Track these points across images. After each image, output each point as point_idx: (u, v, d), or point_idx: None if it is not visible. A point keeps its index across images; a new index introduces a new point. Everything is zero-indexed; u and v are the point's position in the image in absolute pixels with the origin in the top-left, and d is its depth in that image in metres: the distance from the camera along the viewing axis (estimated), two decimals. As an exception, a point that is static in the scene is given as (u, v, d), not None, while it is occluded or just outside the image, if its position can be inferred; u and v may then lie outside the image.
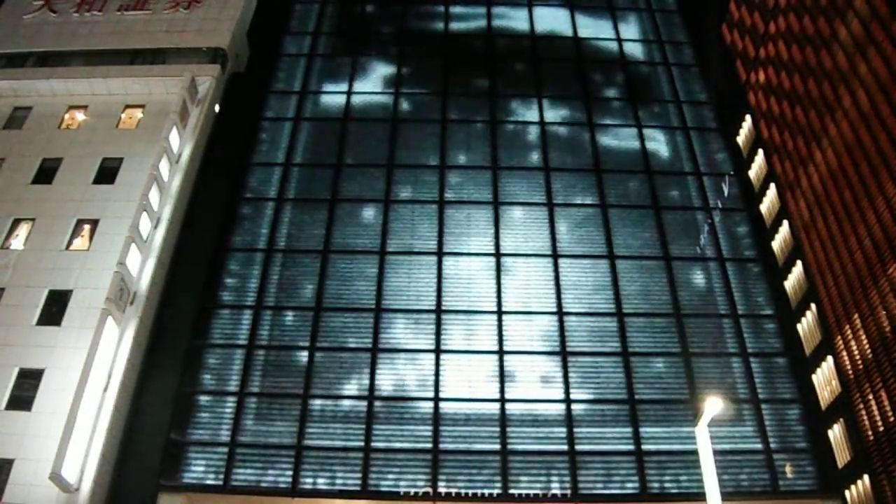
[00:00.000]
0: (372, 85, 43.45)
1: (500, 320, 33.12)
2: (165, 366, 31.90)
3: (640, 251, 35.93)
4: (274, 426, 30.24)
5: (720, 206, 37.83)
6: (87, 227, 35.03)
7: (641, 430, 30.15)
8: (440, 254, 35.31)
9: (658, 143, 40.84)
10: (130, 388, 30.87)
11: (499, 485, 28.65)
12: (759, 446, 29.97)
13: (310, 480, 28.88)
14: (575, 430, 30.09)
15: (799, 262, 35.27)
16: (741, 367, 32.26)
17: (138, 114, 40.07)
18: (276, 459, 29.34)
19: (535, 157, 39.68)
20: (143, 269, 33.23)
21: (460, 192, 38.05)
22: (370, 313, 33.28)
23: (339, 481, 28.85)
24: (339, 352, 32.30)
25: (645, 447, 29.75)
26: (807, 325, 34.01)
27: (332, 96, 42.86)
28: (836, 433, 30.59)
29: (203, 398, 31.12)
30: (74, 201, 35.73)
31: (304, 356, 32.03)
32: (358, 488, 28.60)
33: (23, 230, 35.12)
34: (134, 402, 30.95)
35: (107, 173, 36.97)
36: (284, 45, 46.14)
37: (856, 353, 29.91)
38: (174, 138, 37.07)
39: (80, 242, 34.63)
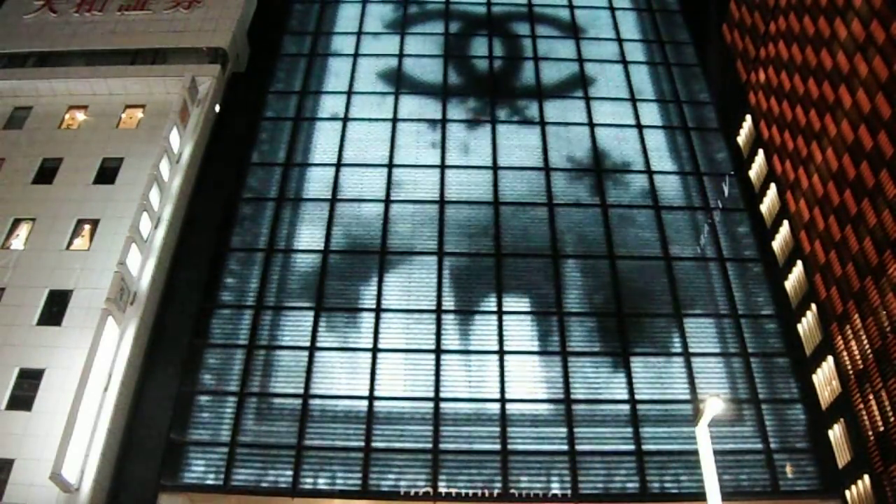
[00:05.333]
0: (372, 85, 43.50)
1: (500, 321, 33.10)
2: (165, 366, 31.90)
3: (641, 251, 35.92)
4: (274, 426, 30.23)
5: (720, 206, 37.83)
6: (87, 227, 35.03)
7: (641, 430, 30.13)
8: (441, 254, 35.29)
9: (658, 143, 40.82)
10: (130, 388, 30.87)
11: (499, 485, 28.64)
12: (759, 446, 29.95)
13: (310, 480, 28.87)
14: (575, 430, 30.08)
15: (799, 262, 35.30)
16: (741, 367, 32.24)
17: (138, 114, 40.08)
18: (276, 459, 29.33)
19: (535, 157, 39.66)
20: (143, 269, 33.23)
21: (461, 192, 38.03)
22: (370, 313, 33.27)
23: (339, 481, 28.84)
24: (339, 352, 32.29)
25: (645, 447, 29.74)
26: (807, 325, 34.03)
27: (333, 96, 42.91)
28: (836, 433, 30.60)
29: (203, 398, 31.10)
30: (75, 201, 35.73)
31: (304, 356, 31.99)
32: (358, 488, 28.60)
33: (23, 230, 35.12)
34: (134, 402, 30.96)
35: (107, 173, 36.98)
36: (284, 45, 46.16)
37: (856, 353, 29.93)
38: (174, 138, 37.07)
39: (80, 242, 34.63)
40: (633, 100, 42.89)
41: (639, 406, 30.81)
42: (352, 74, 43.95)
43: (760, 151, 40.56)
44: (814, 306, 33.48)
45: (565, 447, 29.66)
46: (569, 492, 28.56)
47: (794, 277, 35.58)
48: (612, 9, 48.89)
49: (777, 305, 34.56)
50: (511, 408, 30.65)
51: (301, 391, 30.93)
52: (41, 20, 44.52)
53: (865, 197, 29.99)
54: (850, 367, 30.24)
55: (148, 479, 28.79)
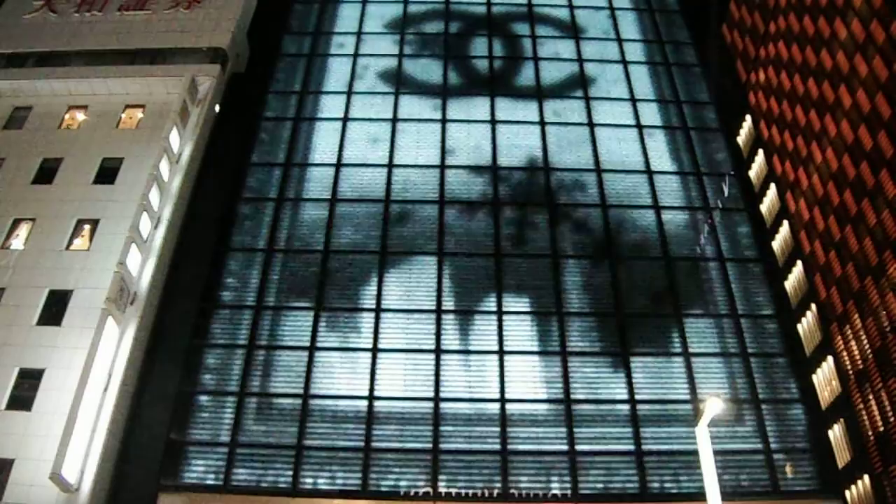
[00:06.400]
0: (372, 85, 43.53)
1: (500, 321, 33.09)
2: (165, 366, 31.90)
3: (640, 251, 35.91)
4: (274, 426, 30.22)
5: (720, 206, 37.83)
6: (87, 227, 35.03)
7: (641, 430, 30.13)
8: (440, 254, 35.28)
9: (658, 143, 40.81)
10: (130, 388, 30.87)
11: (499, 485, 28.64)
12: (759, 446, 29.96)
13: (310, 480, 28.87)
14: (575, 430, 30.08)
15: (799, 262, 35.28)
16: (741, 367, 32.23)
17: (138, 114, 40.07)
18: (276, 459, 29.34)
19: (535, 157, 39.64)
20: (143, 269, 33.22)
21: (461, 192, 38.02)
22: (370, 313, 33.26)
23: (339, 481, 28.84)
24: (339, 352, 32.28)
25: (645, 447, 29.74)
26: (807, 325, 34.01)
27: (333, 96, 42.91)
28: (836, 433, 30.58)
29: (203, 398, 31.11)
30: (74, 201, 35.72)
31: (304, 356, 31.98)
32: (358, 488, 28.59)
33: (23, 230, 35.11)
34: (134, 402, 30.96)
35: (107, 173, 36.97)
36: (284, 45, 46.16)
37: (856, 353, 29.91)
38: (174, 138, 37.06)
39: (80, 242, 34.63)
40: (633, 100, 42.88)
41: (639, 406, 30.81)
42: (352, 74, 43.95)
43: (760, 151, 40.53)
44: (814, 306, 33.46)
45: (565, 447, 29.66)
46: (569, 492, 28.56)
47: (794, 277, 35.56)
48: (612, 9, 48.89)
49: (777, 305, 34.57)
50: (511, 408, 30.65)
51: (301, 391, 30.94)
52: (41, 20, 44.50)
53: (865, 197, 29.98)
54: (850, 367, 30.23)
55: (148, 479, 28.79)
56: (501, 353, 32.13)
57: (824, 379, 32.10)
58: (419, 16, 48.17)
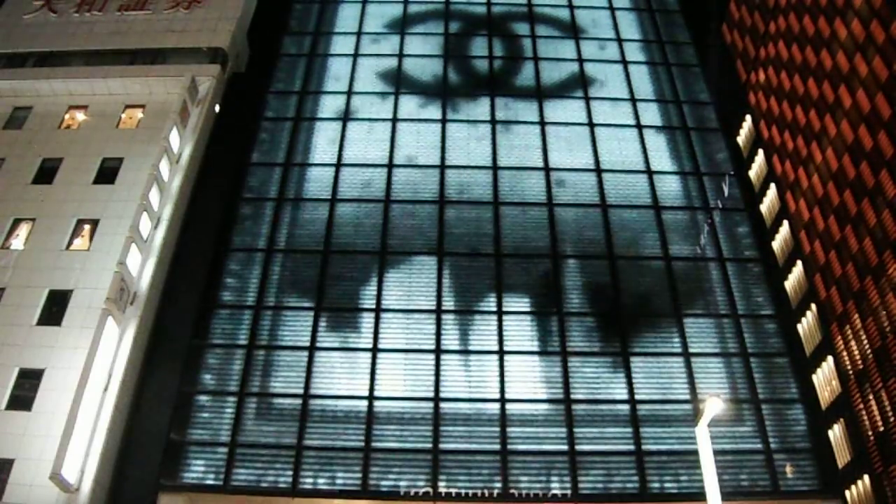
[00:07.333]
0: (372, 85, 43.53)
1: (500, 321, 33.09)
2: (165, 366, 31.92)
3: (641, 251, 35.91)
4: (274, 426, 30.22)
5: (720, 206, 37.83)
6: (87, 227, 35.05)
7: (641, 430, 30.13)
8: (440, 254, 35.29)
9: (658, 143, 40.81)
10: (130, 388, 30.88)
11: (499, 485, 28.64)
12: (759, 446, 29.95)
13: (310, 480, 28.87)
14: (575, 430, 30.08)
15: (799, 262, 35.29)
16: (741, 367, 32.24)
17: (138, 114, 40.09)
18: (276, 459, 29.33)
19: (535, 157, 39.65)
20: (143, 269, 33.23)
21: (461, 192, 38.02)
22: (371, 313, 33.26)
23: (339, 481, 28.84)
24: (339, 352, 32.29)
25: (645, 447, 29.73)
26: (807, 325, 34.03)
27: (333, 96, 42.91)
28: (836, 433, 30.60)
29: (203, 398, 31.11)
30: (74, 201, 35.74)
31: (304, 356, 31.99)
32: (358, 488, 28.59)
33: (23, 230, 35.12)
34: (134, 402, 30.98)
35: (107, 173, 36.99)
36: (284, 45, 46.17)
37: (856, 353, 29.93)
38: (174, 138, 37.08)
39: (80, 242, 34.64)
40: (633, 100, 42.86)
41: (639, 406, 30.80)
42: (352, 74, 43.94)
43: (760, 151, 40.57)
44: (814, 306, 33.49)
45: (565, 447, 29.65)
46: (569, 492, 28.55)
47: (794, 277, 35.59)
48: (612, 9, 48.86)
49: (777, 305, 34.55)
50: (511, 408, 30.64)
51: (301, 391, 30.93)
52: (41, 20, 44.52)
53: (865, 197, 30.00)
54: (850, 367, 30.25)
55: (148, 479, 28.79)
56: (501, 353, 32.11)
57: (824, 379, 32.12)
58: (419, 16, 48.18)
